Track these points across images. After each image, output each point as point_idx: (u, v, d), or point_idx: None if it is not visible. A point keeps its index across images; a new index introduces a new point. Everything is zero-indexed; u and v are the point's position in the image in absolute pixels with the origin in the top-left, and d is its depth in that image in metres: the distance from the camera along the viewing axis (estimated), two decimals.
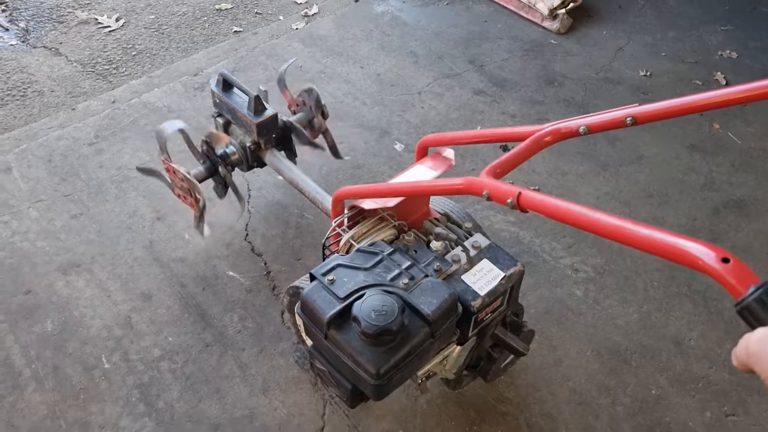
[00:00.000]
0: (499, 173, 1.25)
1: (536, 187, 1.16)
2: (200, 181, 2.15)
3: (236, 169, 2.28)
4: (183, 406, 1.91)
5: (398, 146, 2.73)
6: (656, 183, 2.62)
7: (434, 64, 3.18)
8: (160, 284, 2.21)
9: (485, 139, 1.58)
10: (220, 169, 2.20)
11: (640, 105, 1.26)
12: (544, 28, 3.41)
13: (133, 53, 3.21)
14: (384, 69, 3.13)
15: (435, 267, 1.50)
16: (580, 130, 1.30)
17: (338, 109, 2.85)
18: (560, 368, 2.03)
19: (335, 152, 2.36)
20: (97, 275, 2.23)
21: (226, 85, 2.24)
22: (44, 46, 3.22)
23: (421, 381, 1.58)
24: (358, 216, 1.69)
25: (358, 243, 1.60)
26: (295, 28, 3.37)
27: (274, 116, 2.18)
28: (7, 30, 3.31)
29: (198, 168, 2.19)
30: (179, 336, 2.07)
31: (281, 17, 3.49)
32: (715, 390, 1.98)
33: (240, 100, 2.18)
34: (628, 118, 1.24)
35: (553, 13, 3.35)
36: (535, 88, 3.06)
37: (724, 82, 3.10)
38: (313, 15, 3.47)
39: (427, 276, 1.46)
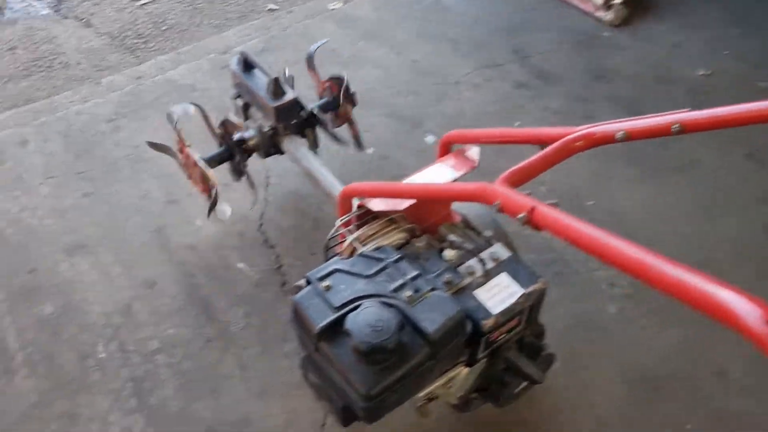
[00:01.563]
0: (516, 181, 1.09)
1: (555, 201, 0.99)
2: (213, 166, 2.04)
3: (254, 154, 2.15)
4: (176, 405, 1.80)
5: (429, 138, 2.57)
6: (707, 193, 2.39)
7: (475, 53, 2.99)
8: (166, 272, 2.11)
9: (512, 140, 1.42)
10: (236, 156, 2.08)
11: (690, 110, 1.08)
12: (597, 18, 3.18)
13: (164, 28, 3.12)
14: (421, 56, 2.96)
15: (445, 279, 1.34)
16: (618, 136, 1.12)
17: (368, 97, 2.68)
18: (585, 392, 1.85)
19: (358, 143, 2.22)
20: (102, 258, 2.14)
21: (247, 65, 2.12)
22: (75, 17, 3.15)
23: (422, 404, 1.43)
24: (368, 216, 1.54)
25: (362, 246, 1.45)
26: (331, 8, 3.22)
27: (294, 101, 2.05)
28: None
29: (212, 153, 2.07)
30: (180, 328, 1.97)
31: None
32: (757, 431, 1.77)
33: (260, 82, 2.07)
34: (675, 126, 1.07)
35: (608, 3, 3.12)
36: (581, 83, 2.84)
37: None
38: None
39: (434, 289, 1.31)
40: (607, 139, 1.14)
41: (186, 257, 2.15)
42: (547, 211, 0.92)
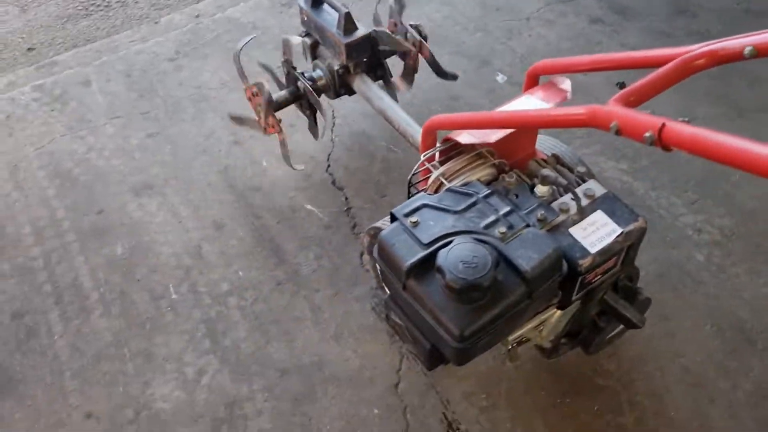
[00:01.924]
0: (633, 102, 0.99)
1: (686, 118, 0.88)
2: (281, 108, 1.98)
3: (323, 95, 2.07)
4: (249, 347, 1.77)
5: (500, 78, 2.45)
6: None
7: None
8: (234, 213, 2.07)
9: (612, 65, 1.29)
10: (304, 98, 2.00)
11: None
12: None
13: None
14: None
15: (539, 216, 1.26)
16: (746, 51, 1.00)
17: (435, 34, 2.57)
18: (672, 342, 1.75)
19: (409, 78, 2.10)
20: (170, 199, 2.11)
21: (316, 0, 2.02)
22: None
23: (512, 347, 1.36)
24: (452, 151, 1.45)
25: (449, 181, 1.37)
26: None
27: (366, 37, 1.95)
28: None
29: (279, 93, 2.00)
30: (250, 271, 1.93)
31: None
32: None
33: (329, 18, 1.97)
34: None
35: None
36: (662, 17, 2.67)
37: None
38: None
39: (528, 226, 1.22)
40: (734, 56, 1.02)
41: (253, 198, 2.10)
42: (681, 128, 0.82)
